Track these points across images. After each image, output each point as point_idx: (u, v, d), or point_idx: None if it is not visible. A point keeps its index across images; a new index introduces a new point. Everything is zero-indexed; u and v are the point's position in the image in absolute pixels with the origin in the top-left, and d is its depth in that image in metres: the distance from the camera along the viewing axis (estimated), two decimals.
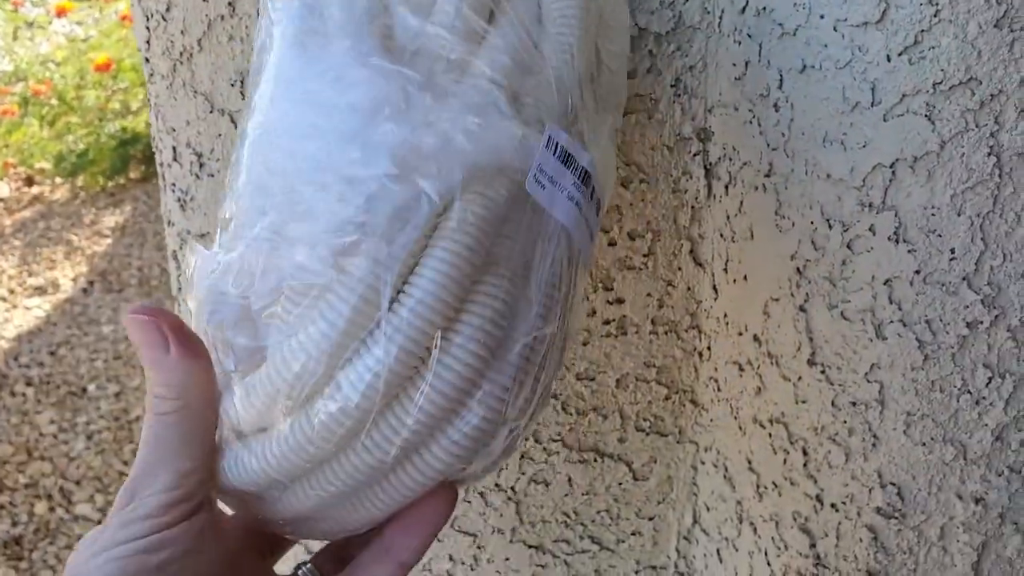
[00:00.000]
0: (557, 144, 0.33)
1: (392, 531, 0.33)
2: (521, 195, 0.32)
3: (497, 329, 0.31)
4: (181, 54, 0.46)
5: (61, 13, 3.11)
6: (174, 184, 0.49)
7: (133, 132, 2.80)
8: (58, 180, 2.93)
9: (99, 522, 1.70)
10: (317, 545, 0.42)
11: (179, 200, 0.49)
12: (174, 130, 0.48)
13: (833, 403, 0.43)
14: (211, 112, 0.47)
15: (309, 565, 0.37)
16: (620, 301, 0.50)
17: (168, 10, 0.46)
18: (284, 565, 0.40)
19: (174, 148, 0.49)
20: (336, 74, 0.31)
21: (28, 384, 2.02)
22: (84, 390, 2.01)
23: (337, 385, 0.29)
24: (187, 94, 0.47)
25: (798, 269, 0.43)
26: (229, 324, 0.31)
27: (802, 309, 0.43)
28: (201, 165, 0.48)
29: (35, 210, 2.81)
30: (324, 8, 0.32)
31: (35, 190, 2.93)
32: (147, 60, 0.48)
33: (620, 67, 0.40)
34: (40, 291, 2.37)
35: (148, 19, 0.47)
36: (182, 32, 0.46)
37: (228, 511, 0.36)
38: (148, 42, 0.48)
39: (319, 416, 0.29)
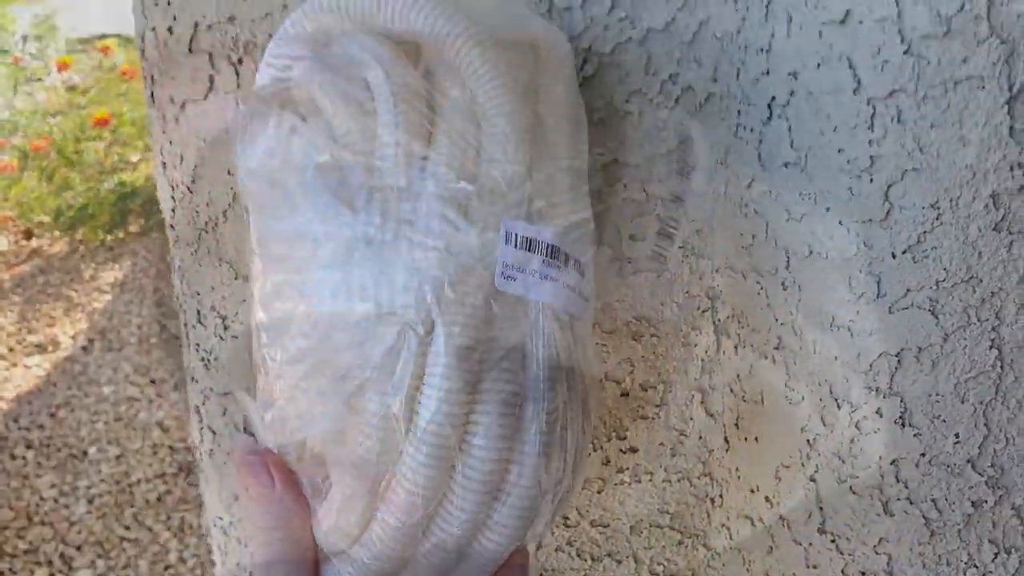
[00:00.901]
0: (516, 235, 0.34)
1: None
2: (497, 293, 0.34)
3: (509, 419, 0.33)
4: (206, 223, 0.48)
5: (62, 68, 3.14)
6: (198, 344, 0.51)
7: (132, 186, 2.82)
8: (57, 234, 2.94)
9: None
10: None
11: (203, 360, 0.51)
12: (199, 294, 0.50)
13: (843, 572, 0.44)
14: (235, 279, 0.48)
15: None
16: (634, 450, 0.52)
17: (194, 182, 0.48)
18: None
19: (198, 311, 0.50)
20: (305, 236, 0.34)
21: (28, 447, 2.02)
22: (85, 453, 2.00)
23: (384, 510, 0.32)
24: (212, 261, 0.48)
25: (808, 441, 0.44)
26: (294, 462, 0.35)
27: (812, 479, 0.44)
28: (225, 328, 0.49)
29: (34, 264, 2.81)
30: (282, 179, 0.34)
31: (34, 243, 2.93)
32: (172, 227, 0.50)
33: (565, 102, 0.38)
34: (40, 348, 2.38)
35: (173, 189, 0.49)
36: (207, 204, 0.47)
37: None
38: (173, 211, 0.49)
39: (376, 537, 0.33)
